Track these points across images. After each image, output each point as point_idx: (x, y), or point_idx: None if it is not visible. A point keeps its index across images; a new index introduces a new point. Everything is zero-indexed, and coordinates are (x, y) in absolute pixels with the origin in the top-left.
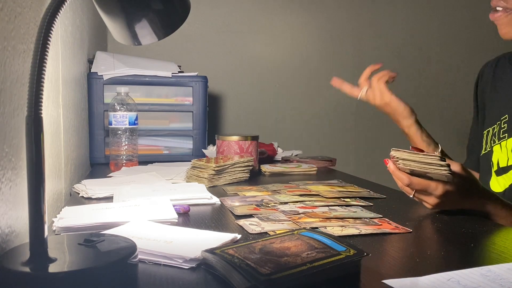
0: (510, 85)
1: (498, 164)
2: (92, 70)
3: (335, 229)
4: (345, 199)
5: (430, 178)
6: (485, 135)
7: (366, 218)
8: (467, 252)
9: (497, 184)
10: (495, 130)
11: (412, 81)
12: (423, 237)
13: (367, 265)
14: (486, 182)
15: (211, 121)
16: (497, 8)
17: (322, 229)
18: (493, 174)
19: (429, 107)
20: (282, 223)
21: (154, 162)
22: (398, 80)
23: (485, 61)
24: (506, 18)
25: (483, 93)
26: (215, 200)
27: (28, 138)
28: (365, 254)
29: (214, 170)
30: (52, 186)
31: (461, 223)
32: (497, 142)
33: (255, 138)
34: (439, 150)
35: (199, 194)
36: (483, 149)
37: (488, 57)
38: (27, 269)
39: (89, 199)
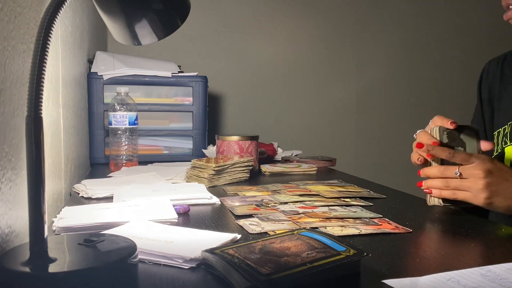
0: None
1: (511, 166)
2: (92, 70)
3: (335, 229)
4: (345, 199)
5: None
6: (495, 136)
7: (366, 218)
8: (467, 252)
9: None
10: (506, 130)
11: (412, 80)
12: (423, 237)
13: (367, 265)
14: None
15: (211, 121)
16: (510, 7)
17: (322, 229)
18: None
19: (429, 107)
20: (282, 223)
21: (154, 162)
22: (398, 81)
23: (485, 60)
24: None
25: (490, 92)
26: (215, 200)
27: (28, 138)
28: (365, 254)
29: (214, 170)
30: (52, 186)
31: (461, 223)
32: (509, 144)
33: (255, 138)
34: None
35: (199, 194)
36: (495, 150)
37: (487, 57)
38: (27, 269)
39: (89, 199)
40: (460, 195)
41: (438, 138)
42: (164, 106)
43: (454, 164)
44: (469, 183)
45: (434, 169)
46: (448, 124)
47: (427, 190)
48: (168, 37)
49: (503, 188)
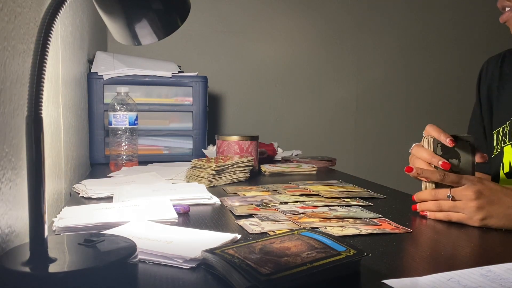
0: None
1: (510, 165)
2: (92, 70)
3: (335, 229)
4: (345, 199)
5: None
6: (494, 136)
7: (366, 218)
8: (467, 252)
9: None
10: (506, 130)
11: (412, 80)
12: (423, 237)
13: (367, 265)
14: None
15: (211, 121)
16: (506, 9)
17: (322, 229)
18: (504, 176)
19: (429, 107)
20: (282, 223)
21: (154, 162)
22: (397, 81)
23: (484, 60)
24: None
25: (489, 91)
26: (215, 200)
27: (28, 138)
28: (365, 254)
29: (214, 170)
30: (52, 186)
31: (461, 223)
32: (507, 143)
33: (255, 138)
34: None
35: (199, 194)
36: (494, 150)
37: (486, 57)
38: (27, 269)
39: (89, 199)
40: (454, 217)
41: (432, 150)
42: (164, 106)
43: (446, 185)
44: (461, 205)
45: (426, 193)
46: (446, 142)
47: (422, 213)
48: (168, 37)
49: (495, 208)
